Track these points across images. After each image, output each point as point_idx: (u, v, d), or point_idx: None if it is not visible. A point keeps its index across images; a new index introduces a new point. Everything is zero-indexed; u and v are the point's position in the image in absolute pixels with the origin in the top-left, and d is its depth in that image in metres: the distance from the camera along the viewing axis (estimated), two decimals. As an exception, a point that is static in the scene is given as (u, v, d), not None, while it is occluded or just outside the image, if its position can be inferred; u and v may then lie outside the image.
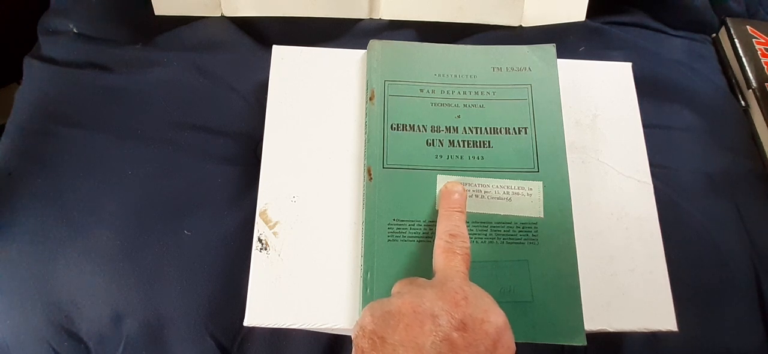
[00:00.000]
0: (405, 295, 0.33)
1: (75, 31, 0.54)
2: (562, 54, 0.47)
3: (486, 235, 0.40)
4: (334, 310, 0.40)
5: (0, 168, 0.48)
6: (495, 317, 0.32)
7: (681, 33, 0.59)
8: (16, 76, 0.54)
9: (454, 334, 0.31)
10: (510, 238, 0.40)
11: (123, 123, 0.50)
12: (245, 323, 0.40)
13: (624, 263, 0.42)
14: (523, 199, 0.41)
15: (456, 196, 0.40)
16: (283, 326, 0.40)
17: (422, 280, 0.36)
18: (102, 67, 0.52)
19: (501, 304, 0.38)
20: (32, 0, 0.57)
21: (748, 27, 0.58)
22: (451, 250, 0.36)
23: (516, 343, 0.40)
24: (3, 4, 0.63)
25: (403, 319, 0.31)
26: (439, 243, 0.37)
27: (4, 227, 0.45)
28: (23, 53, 0.54)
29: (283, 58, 0.48)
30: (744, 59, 0.56)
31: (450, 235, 0.37)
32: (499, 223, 0.41)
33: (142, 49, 0.54)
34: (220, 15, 0.57)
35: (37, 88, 0.51)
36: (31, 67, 0.53)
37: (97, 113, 0.50)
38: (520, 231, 0.41)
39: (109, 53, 0.53)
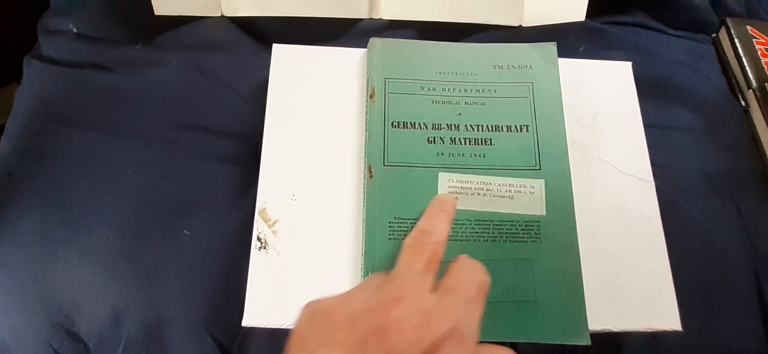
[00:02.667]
0: (343, 293, 0.32)
1: (75, 31, 0.54)
2: (562, 54, 0.47)
3: (488, 233, 0.40)
4: (334, 310, 0.40)
5: (0, 168, 0.48)
6: (438, 324, 0.29)
7: (681, 33, 0.59)
8: (16, 76, 0.53)
9: (371, 340, 0.28)
10: (512, 237, 0.40)
11: (123, 123, 0.49)
12: (244, 323, 0.40)
13: (627, 262, 0.42)
14: (524, 197, 0.41)
15: (446, 203, 0.38)
16: (283, 326, 0.40)
17: (379, 275, 0.34)
18: (102, 67, 0.52)
19: (504, 303, 0.39)
20: (32, 0, 0.57)
21: (748, 27, 0.58)
22: (413, 246, 0.34)
23: (518, 343, 0.39)
24: (3, 4, 0.63)
25: (324, 320, 0.30)
26: (406, 240, 0.35)
27: (4, 227, 0.45)
28: (23, 53, 0.54)
29: (283, 56, 0.48)
30: (744, 59, 0.56)
31: (419, 230, 0.35)
32: (501, 221, 0.41)
33: (142, 49, 0.54)
34: (220, 15, 0.57)
35: (37, 88, 0.51)
36: (31, 67, 0.53)
37: (97, 113, 0.50)
38: (522, 229, 0.41)
39: (109, 53, 0.53)
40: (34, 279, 0.43)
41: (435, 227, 0.35)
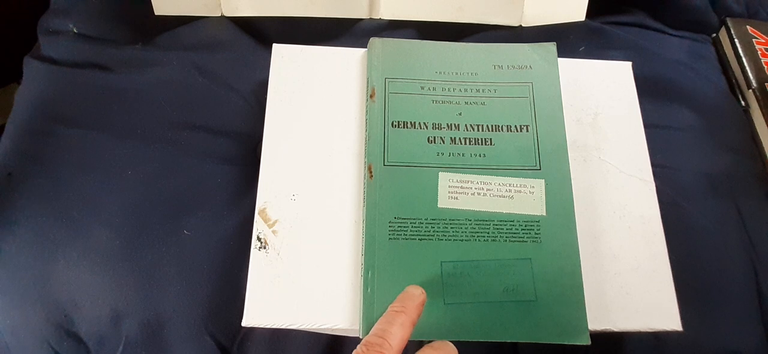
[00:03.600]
0: None
1: (75, 31, 0.54)
2: (562, 54, 0.47)
3: (488, 233, 0.40)
4: (334, 310, 0.40)
5: (0, 168, 0.48)
6: None
7: (681, 33, 0.59)
8: (16, 76, 0.54)
9: None
10: (512, 236, 0.40)
11: (123, 123, 0.49)
12: (244, 323, 0.39)
13: (627, 262, 0.42)
14: (525, 196, 0.41)
15: (410, 301, 0.35)
16: (282, 326, 0.40)
17: None
18: (102, 67, 0.52)
19: (504, 303, 0.39)
20: (32, 0, 0.57)
21: (748, 27, 0.58)
22: None
23: (519, 343, 0.39)
24: (3, 4, 0.63)
25: None
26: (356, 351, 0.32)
27: (4, 227, 0.45)
28: (23, 53, 0.54)
29: (283, 56, 0.48)
30: (744, 59, 0.56)
31: (369, 342, 0.32)
32: (501, 221, 0.41)
33: (142, 49, 0.54)
34: (220, 15, 0.57)
35: (37, 88, 0.51)
36: (31, 67, 0.53)
37: (97, 113, 0.50)
38: (522, 229, 0.41)
39: (109, 53, 0.53)
40: (34, 279, 0.43)
41: (387, 336, 0.32)
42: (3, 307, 0.43)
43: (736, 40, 0.57)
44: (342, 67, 0.48)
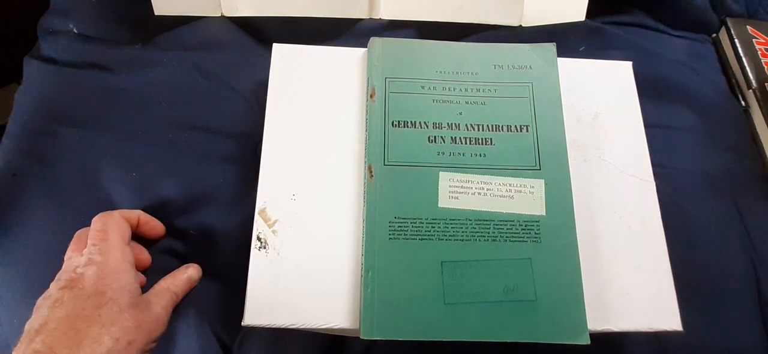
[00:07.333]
0: None
1: (75, 31, 0.54)
2: (562, 54, 0.47)
3: (488, 233, 0.40)
4: (333, 309, 0.40)
5: (2, 168, 0.48)
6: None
7: (681, 33, 0.59)
8: (16, 76, 0.54)
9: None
10: (512, 236, 0.40)
11: (123, 123, 0.50)
12: (244, 323, 0.39)
13: (627, 262, 0.42)
14: (524, 196, 0.41)
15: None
16: (282, 326, 0.40)
17: None
18: (102, 67, 0.52)
19: (503, 303, 0.38)
20: (32, 0, 0.57)
21: (748, 27, 0.58)
22: None
23: (519, 343, 0.39)
24: (3, 4, 0.63)
25: None
26: None
27: (8, 227, 0.45)
28: (23, 53, 0.54)
29: (283, 56, 0.48)
30: (744, 59, 0.56)
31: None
32: (501, 221, 0.41)
33: (142, 49, 0.54)
34: (220, 15, 0.57)
35: (37, 89, 0.51)
36: (31, 67, 0.53)
37: (97, 113, 0.50)
38: (522, 229, 0.40)
39: (109, 53, 0.53)
40: (39, 279, 0.43)
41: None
42: (9, 305, 0.43)
43: (736, 40, 0.57)
44: (342, 67, 0.48)
